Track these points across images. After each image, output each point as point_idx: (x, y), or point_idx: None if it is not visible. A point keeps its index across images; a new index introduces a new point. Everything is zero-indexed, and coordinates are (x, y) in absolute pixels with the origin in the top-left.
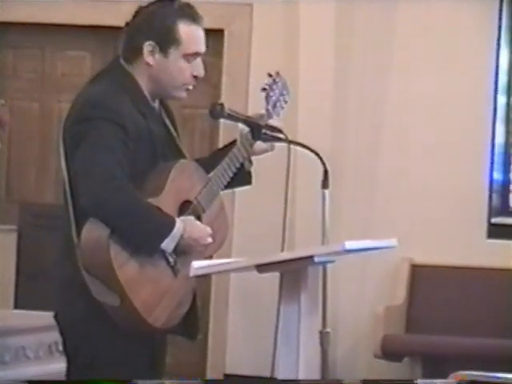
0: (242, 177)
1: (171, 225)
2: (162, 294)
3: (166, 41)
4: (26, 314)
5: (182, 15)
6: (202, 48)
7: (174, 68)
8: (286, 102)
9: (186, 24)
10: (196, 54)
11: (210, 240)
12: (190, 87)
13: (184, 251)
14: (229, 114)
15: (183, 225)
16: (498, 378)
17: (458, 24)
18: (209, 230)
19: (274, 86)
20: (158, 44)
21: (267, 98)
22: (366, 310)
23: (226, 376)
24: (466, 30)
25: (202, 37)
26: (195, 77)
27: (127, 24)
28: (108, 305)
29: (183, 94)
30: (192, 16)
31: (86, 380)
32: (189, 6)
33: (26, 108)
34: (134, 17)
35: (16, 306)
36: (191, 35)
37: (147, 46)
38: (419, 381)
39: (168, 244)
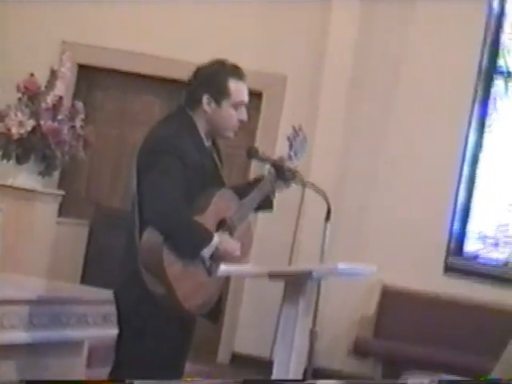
0: (266, 204)
1: (210, 238)
2: (198, 288)
3: (220, 94)
4: (89, 289)
5: (231, 74)
6: (246, 98)
7: (226, 115)
8: (304, 150)
9: (234, 80)
10: (242, 103)
11: (238, 253)
12: (236, 129)
13: (218, 258)
14: (260, 157)
15: (219, 239)
16: (440, 379)
17: (440, 111)
18: (239, 245)
19: (296, 137)
20: (213, 96)
21: (290, 145)
22: (345, 316)
23: (234, 354)
24: (447, 118)
25: (246, 90)
26: (241, 121)
27: (189, 80)
28: (156, 293)
29: (231, 134)
30: (239, 74)
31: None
32: (236, 66)
33: (108, 134)
34: (195, 74)
35: (82, 283)
36: (238, 89)
37: (205, 98)
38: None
39: (206, 252)
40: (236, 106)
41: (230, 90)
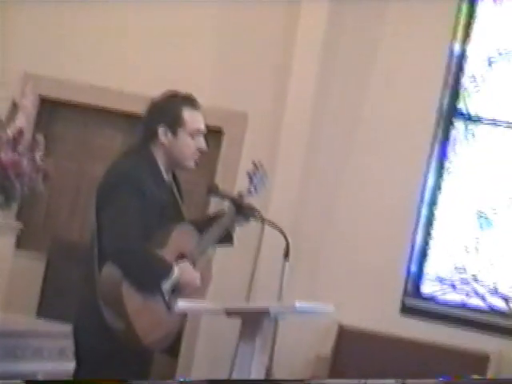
0: (226, 239)
1: (170, 270)
2: (157, 323)
3: (175, 124)
4: (45, 322)
5: (184, 103)
6: (203, 127)
7: (183, 144)
8: (264, 185)
9: (188, 109)
10: (198, 131)
11: (198, 282)
12: (196, 158)
13: (178, 291)
14: (220, 193)
15: (179, 270)
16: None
17: (399, 153)
18: (198, 274)
19: (257, 173)
20: (168, 127)
21: (250, 180)
22: (301, 355)
23: None
24: (406, 159)
25: (201, 118)
26: (199, 149)
27: (144, 113)
28: (115, 327)
29: (191, 164)
30: (192, 103)
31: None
32: (189, 96)
33: (68, 167)
34: (149, 107)
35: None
36: (193, 118)
37: (161, 130)
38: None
39: (167, 284)
40: (193, 134)
41: (185, 118)
